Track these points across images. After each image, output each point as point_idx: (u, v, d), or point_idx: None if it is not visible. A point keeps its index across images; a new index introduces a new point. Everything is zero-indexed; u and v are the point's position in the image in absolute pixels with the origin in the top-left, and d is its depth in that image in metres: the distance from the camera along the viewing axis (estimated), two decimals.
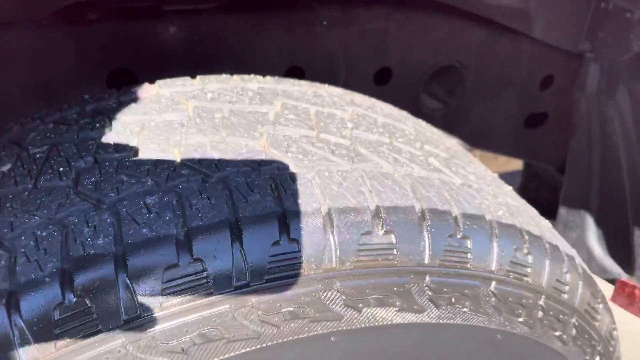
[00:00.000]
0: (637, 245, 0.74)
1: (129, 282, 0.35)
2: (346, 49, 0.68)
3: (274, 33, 0.67)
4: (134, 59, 0.66)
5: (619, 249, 0.78)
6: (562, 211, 0.82)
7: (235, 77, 0.56)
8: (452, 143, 0.58)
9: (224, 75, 0.55)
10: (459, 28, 0.72)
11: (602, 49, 0.67)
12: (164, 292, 0.35)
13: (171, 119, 0.45)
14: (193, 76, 0.56)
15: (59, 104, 0.56)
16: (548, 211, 0.86)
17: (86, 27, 0.65)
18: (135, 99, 0.48)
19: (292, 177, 0.40)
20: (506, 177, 1.09)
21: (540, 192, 0.98)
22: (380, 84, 0.76)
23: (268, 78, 0.58)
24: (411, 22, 0.71)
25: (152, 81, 0.54)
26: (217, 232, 0.36)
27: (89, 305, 0.34)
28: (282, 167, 0.41)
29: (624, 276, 0.78)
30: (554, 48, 0.74)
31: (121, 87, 0.54)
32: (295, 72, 0.70)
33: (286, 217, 0.39)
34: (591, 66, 0.70)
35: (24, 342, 0.34)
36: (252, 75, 0.57)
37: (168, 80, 0.53)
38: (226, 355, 0.39)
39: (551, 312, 0.45)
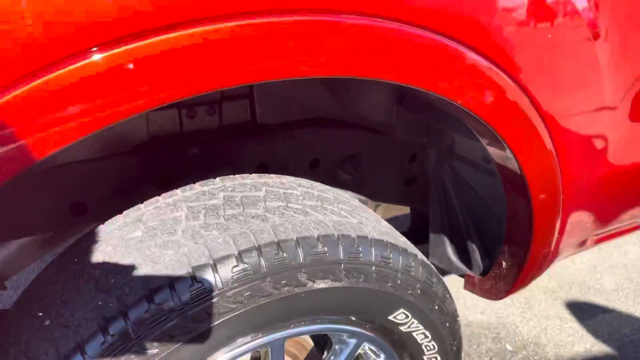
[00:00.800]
0: (470, 252, 1.24)
1: None
2: (293, 151, 1.16)
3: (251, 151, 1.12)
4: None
5: (463, 256, 1.28)
6: (431, 235, 1.32)
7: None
8: (348, 198, 1.04)
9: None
10: (352, 132, 1.22)
11: (432, 142, 1.19)
12: None
13: None
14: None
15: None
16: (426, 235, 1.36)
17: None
18: None
19: None
20: (403, 217, 1.59)
21: (421, 224, 1.48)
22: (313, 168, 1.24)
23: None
24: (330, 133, 1.20)
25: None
26: None
27: None
28: None
29: (468, 272, 1.28)
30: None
31: None
32: (262, 167, 1.17)
33: None
34: (429, 151, 1.22)
35: None
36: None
37: None
38: None
39: (405, 281, 0.91)
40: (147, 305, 0.71)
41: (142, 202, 0.89)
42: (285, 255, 0.78)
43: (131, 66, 0.59)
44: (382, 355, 1.00)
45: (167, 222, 0.83)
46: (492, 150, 0.92)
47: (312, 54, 0.64)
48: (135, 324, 0.70)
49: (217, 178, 0.95)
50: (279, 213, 0.85)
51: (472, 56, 0.78)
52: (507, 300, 2.08)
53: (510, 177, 0.93)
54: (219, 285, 0.73)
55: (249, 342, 0.81)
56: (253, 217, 0.83)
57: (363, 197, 1.33)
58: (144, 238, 0.80)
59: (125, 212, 0.88)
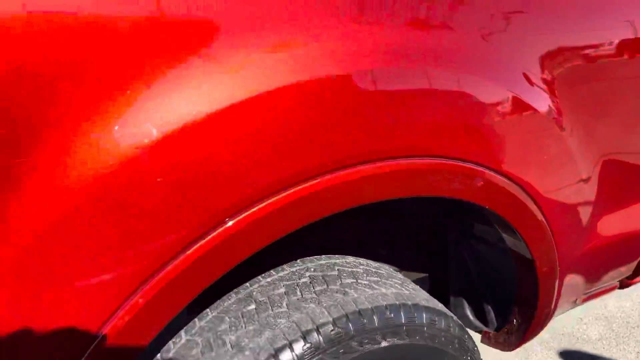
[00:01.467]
0: (486, 312, 1.54)
1: None
2: (348, 235, 1.45)
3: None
4: None
5: (480, 315, 1.57)
6: (451, 298, 1.61)
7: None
8: (396, 272, 1.33)
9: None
10: (392, 219, 1.53)
11: (453, 225, 1.51)
12: None
13: None
14: None
15: None
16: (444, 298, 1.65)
17: None
18: None
19: None
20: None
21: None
22: (359, 246, 1.53)
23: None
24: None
25: None
26: None
27: None
28: None
29: (484, 328, 1.56)
30: None
31: None
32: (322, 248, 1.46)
33: None
34: (450, 231, 1.53)
35: None
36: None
37: None
38: None
39: (447, 338, 1.20)
40: None
41: None
42: (365, 321, 1.06)
43: None
44: None
45: (273, 297, 1.11)
46: (506, 237, 1.23)
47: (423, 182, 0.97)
48: None
49: (299, 260, 1.24)
50: (354, 288, 1.14)
51: (490, 173, 1.10)
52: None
53: (521, 257, 1.24)
54: (323, 345, 1.01)
55: None
56: (336, 292, 1.12)
57: (394, 268, 1.62)
58: (259, 310, 1.08)
59: (235, 290, 1.16)
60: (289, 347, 0.99)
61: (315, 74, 0.85)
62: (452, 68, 1.04)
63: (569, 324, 2.58)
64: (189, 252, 0.77)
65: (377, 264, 1.30)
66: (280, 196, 0.82)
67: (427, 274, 1.84)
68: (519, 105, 1.11)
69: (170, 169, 0.72)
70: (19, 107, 0.61)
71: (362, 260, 1.29)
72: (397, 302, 1.12)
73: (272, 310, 1.08)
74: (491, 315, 1.52)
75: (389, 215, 1.50)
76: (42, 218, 0.67)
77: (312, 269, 1.20)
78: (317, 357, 1.01)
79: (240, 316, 1.08)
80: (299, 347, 1.00)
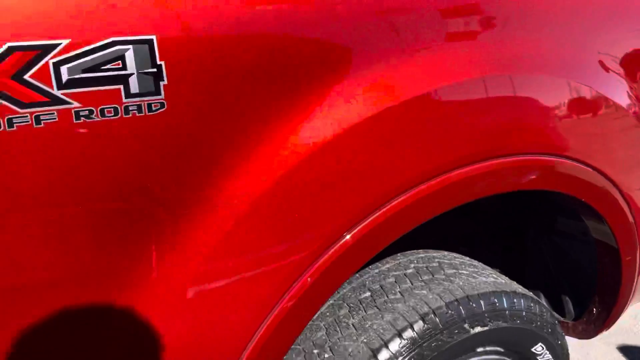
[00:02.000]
0: (564, 303, 1.63)
1: None
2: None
3: None
4: None
5: (557, 306, 1.66)
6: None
7: None
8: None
9: None
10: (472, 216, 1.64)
11: (532, 220, 1.61)
12: None
13: None
14: None
15: None
16: None
17: None
18: None
19: None
20: None
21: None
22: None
23: None
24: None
25: None
26: None
27: None
28: None
29: (562, 319, 1.66)
30: None
31: None
32: None
33: None
34: (530, 227, 1.63)
35: None
36: None
37: None
38: None
39: (541, 322, 1.30)
40: (399, 340, 1.10)
41: None
42: (474, 305, 1.17)
43: None
44: None
45: (385, 286, 1.23)
46: (593, 227, 1.33)
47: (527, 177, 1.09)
48: (394, 354, 1.08)
49: (399, 254, 1.35)
50: (457, 277, 1.25)
51: (584, 167, 1.21)
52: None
53: (606, 246, 1.35)
54: (440, 326, 1.12)
55: None
56: (443, 281, 1.23)
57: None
58: (375, 297, 1.20)
59: (347, 280, 1.28)
60: (410, 328, 1.11)
61: (433, 85, 0.97)
62: (541, 72, 1.15)
63: (625, 320, 2.65)
64: (348, 236, 0.91)
65: (467, 258, 1.41)
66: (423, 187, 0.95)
67: (499, 269, 1.94)
68: (601, 100, 1.22)
69: (340, 164, 0.86)
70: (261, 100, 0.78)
71: (455, 254, 1.40)
72: (499, 290, 1.23)
73: (388, 297, 1.19)
74: (569, 305, 1.61)
75: (470, 214, 1.61)
76: (245, 203, 0.81)
77: (414, 262, 1.31)
78: (434, 337, 1.12)
79: (358, 302, 1.20)
80: (419, 327, 1.11)
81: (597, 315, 1.51)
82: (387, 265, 1.31)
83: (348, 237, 0.91)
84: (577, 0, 1.16)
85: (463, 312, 1.16)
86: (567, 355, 1.40)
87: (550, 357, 1.34)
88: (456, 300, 1.16)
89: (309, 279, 0.89)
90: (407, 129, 0.93)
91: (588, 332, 1.56)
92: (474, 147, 1.03)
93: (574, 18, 1.18)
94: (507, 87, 1.04)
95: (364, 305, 1.19)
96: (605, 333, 2.53)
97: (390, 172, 0.93)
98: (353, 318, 1.17)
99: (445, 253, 1.39)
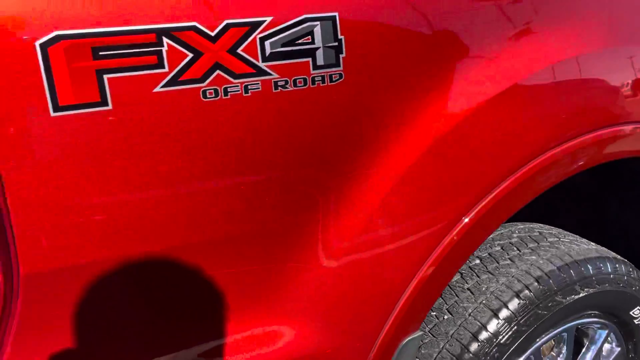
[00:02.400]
0: None
1: None
2: None
3: None
4: None
5: None
6: None
7: None
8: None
9: None
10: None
11: (617, 192, 1.67)
12: None
13: None
14: None
15: None
16: None
17: None
18: None
19: None
20: None
21: None
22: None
23: None
24: None
25: None
26: None
27: None
28: None
29: None
30: None
31: None
32: None
33: None
34: (611, 198, 1.69)
35: None
36: None
37: None
38: None
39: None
40: (517, 300, 1.17)
41: None
42: (583, 269, 1.24)
43: None
44: (614, 343, 1.43)
45: (493, 254, 1.30)
46: None
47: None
48: (514, 313, 1.15)
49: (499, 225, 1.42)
50: (561, 244, 1.32)
51: None
52: None
53: None
54: (554, 288, 1.19)
55: (556, 329, 1.26)
56: (549, 247, 1.30)
57: None
58: (486, 263, 1.27)
59: None
60: (527, 289, 1.18)
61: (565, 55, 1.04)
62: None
63: None
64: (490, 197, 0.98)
65: (561, 229, 1.48)
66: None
67: None
68: None
69: (484, 133, 0.94)
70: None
71: (550, 226, 1.47)
72: (602, 255, 1.30)
73: (499, 263, 1.27)
74: None
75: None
76: (402, 168, 0.89)
77: (516, 232, 1.38)
78: (550, 298, 1.19)
79: (470, 269, 1.27)
80: (535, 288, 1.18)
81: None
82: (491, 236, 1.38)
83: (490, 198, 0.99)
84: None
85: (574, 275, 1.22)
86: None
87: None
88: (566, 264, 1.23)
89: (455, 238, 0.97)
90: (531, 104, 1.01)
91: None
92: (599, 115, 1.10)
93: None
94: (622, 58, 1.11)
95: (476, 271, 1.26)
96: None
97: (532, 136, 1.01)
98: (467, 283, 1.24)
99: (541, 225, 1.46)
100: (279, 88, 0.78)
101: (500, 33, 0.97)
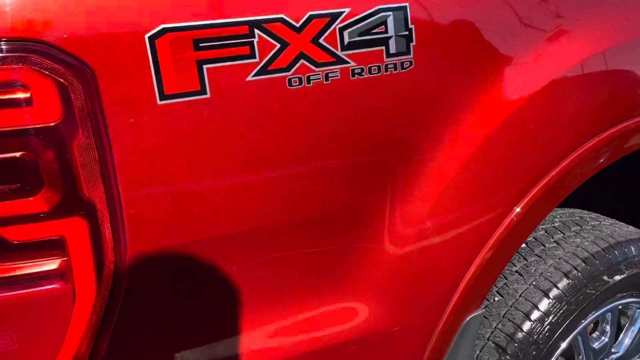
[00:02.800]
0: None
1: None
2: None
3: None
4: None
5: None
6: None
7: None
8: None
9: None
10: None
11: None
12: None
13: None
14: None
15: None
16: None
17: None
18: None
19: None
20: None
21: None
22: None
23: None
24: None
25: None
26: None
27: None
28: None
29: None
30: None
31: None
32: None
33: None
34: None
35: None
36: None
37: None
38: None
39: None
40: (566, 280, 1.21)
41: None
42: (626, 250, 1.28)
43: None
44: None
45: (538, 237, 1.34)
46: None
47: None
48: (563, 292, 1.19)
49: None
50: (603, 227, 1.36)
51: None
52: None
53: None
54: (600, 268, 1.23)
55: (602, 309, 1.30)
56: (592, 230, 1.34)
57: None
58: (532, 247, 1.31)
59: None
60: (575, 269, 1.22)
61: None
62: None
63: None
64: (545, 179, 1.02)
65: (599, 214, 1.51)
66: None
67: None
68: None
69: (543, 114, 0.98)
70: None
71: (588, 211, 1.51)
72: None
73: (545, 246, 1.30)
74: None
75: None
76: (465, 153, 0.94)
77: (557, 217, 1.42)
78: (597, 278, 1.23)
79: (517, 253, 1.31)
80: (582, 268, 1.22)
81: None
82: None
83: (549, 177, 1.03)
84: None
85: (618, 255, 1.26)
86: None
87: None
88: (610, 245, 1.27)
89: (514, 218, 1.01)
90: (579, 92, 1.05)
91: None
92: (626, 107, 1.14)
93: None
94: None
95: (523, 254, 1.30)
96: None
97: (575, 127, 1.05)
98: (515, 266, 1.28)
99: (580, 210, 1.50)
100: (356, 76, 0.82)
101: (557, 23, 1.01)
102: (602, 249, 1.26)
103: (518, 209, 1.02)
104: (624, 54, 1.09)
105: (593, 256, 1.24)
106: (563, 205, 1.70)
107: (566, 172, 1.06)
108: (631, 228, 1.39)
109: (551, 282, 1.21)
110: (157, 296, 0.76)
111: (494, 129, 0.96)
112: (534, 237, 1.35)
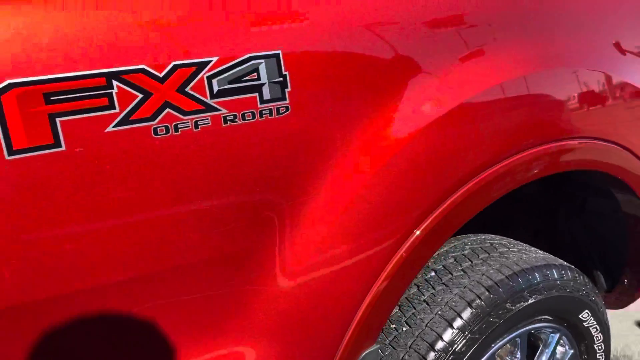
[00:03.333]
0: (596, 277, 1.77)
1: None
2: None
3: None
4: None
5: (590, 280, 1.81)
6: None
7: None
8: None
9: None
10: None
11: (562, 202, 1.76)
12: None
13: None
14: None
15: None
16: None
17: None
18: None
19: None
20: None
21: None
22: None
23: None
24: None
25: None
26: None
27: None
28: None
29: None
30: None
31: None
32: None
33: None
34: (560, 209, 1.78)
35: None
36: None
37: None
38: None
39: (586, 291, 1.44)
40: (470, 309, 1.23)
41: None
42: (530, 277, 1.31)
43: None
44: (567, 345, 1.51)
45: (447, 265, 1.36)
46: (624, 201, 1.48)
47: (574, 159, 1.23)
48: (467, 322, 1.21)
49: (452, 238, 1.49)
50: (510, 254, 1.39)
51: (618, 148, 1.36)
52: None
53: (636, 218, 1.50)
54: (503, 296, 1.26)
55: (509, 335, 1.33)
56: (499, 257, 1.37)
57: None
58: (440, 275, 1.33)
59: None
60: (478, 298, 1.24)
61: (497, 81, 1.11)
62: (576, 66, 1.30)
63: None
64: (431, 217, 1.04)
65: (512, 239, 1.55)
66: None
67: None
68: (626, 86, 1.37)
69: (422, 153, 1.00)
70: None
71: (500, 237, 1.54)
72: (549, 263, 1.37)
73: (452, 274, 1.33)
74: (601, 279, 1.76)
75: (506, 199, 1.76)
76: (348, 194, 0.94)
77: (468, 244, 1.45)
78: (500, 306, 1.25)
79: (426, 282, 1.33)
80: (485, 297, 1.24)
81: (629, 284, 1.66)
82: (445, 249, 1.44)
83: (432, 216, 1.05)
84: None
85: (522, 283, 1.29)
86: (607, 320, 1.54)
87: (595, 322, 1.48)
88: (515, 273, 1.30)
89: (403, 254, 1.02)
90: (478, 121, 1.08)
91: (621, 301, 1.70)
92: (529, 135, 1.17)
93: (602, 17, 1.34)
94: (551, 81, 1.19)
95: (431, 283, 1.32)
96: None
97: (470, 157, 1.07)
98: (424, 295, 1.30)
99: (492, 235, 1.53)
100: (228, 122, 0.82)
101: (447, 56, 1.03)
102: (506, 276, 1.29)
103: (412, 239, 1.04)
104: (525, 85, 1.13)
105: (497, 284, 1.27)
106: (487, 229, 1.74)
107: (455, 206, 1.08)
108: (539, 254, 1.42)
109: (455, 311, 1.23)
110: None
111: (384, 163, 0.98)
112: (443, 266, 1.37)
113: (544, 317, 1.40)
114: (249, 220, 0.89)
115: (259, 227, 0.90)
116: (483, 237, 1.50)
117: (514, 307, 1.28)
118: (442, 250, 1.44)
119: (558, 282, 1.36)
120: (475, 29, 1.08)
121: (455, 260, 1.38)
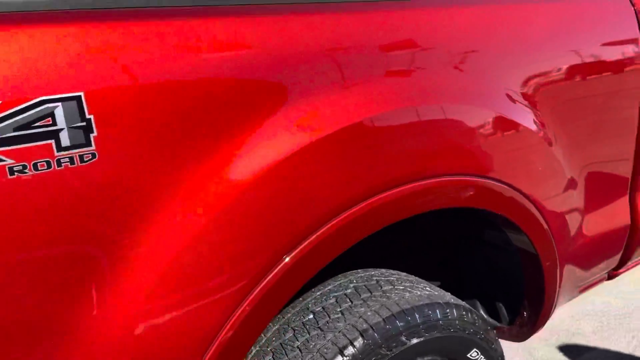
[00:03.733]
0: (498, 309, 1.74)
1: None
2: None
3: None
4: None
5: (493, 312, 1.77)
6: (465, 301, 1.81)
7: None
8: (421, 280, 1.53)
9: None
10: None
11: (462, 233, 1.72)
12: None
13: None
14: None
15: None
16: None
17: None
18: None
19: None
20: None
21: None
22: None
23: None
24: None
25: None
26: None
27: None
28: None
29: (498, 324, 1.76)
30: None
31: None
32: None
33: None
34: (461, 240, 1.74)
35: None
36: None
37: None
38: None
39: (475, 329, 1.39)
40: (341, 357, 1.16)
41: None
42: (409, 318, 1.25)
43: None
44: None
45: (327, 307, 1.29)
46: (514, 237, 1.45)
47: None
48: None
49: (340, 275, 1.42)
50: (393, 292, 1.33)
51: (499, 184, 1.32)
52: (510, 351, 2.55)
53: (527, 253, 1.46)
54: (378, 341, 1.20)
55: None
56: (380, 297, 1.30)
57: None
58: (318, 318, 1.26)
59: (291, 305, 1.33)
60: (351, 344, 1.17)
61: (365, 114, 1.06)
62: (461, 103, 1.26)
63: (564, 321, 2.80)
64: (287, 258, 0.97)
65: (401, 273, 1.50)
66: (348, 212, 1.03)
67: (439, 282, 2.05)
68: (513, 126, 1.34)
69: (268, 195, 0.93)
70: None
71: (393, 271, 1.48)
72: (432, 301, 1.32)
73: (330, 317, 1.26)
74: (503, 311, 1.72)
75: (406, 231, 1.71)
76: (181, 240, 0.87)
77: (354, 281, 1.38)
78: (374, 352, 1.19)
79: (302, 325, 1.26)
80: (359, 343, 1.18)
81: (527, 318, 1.62)
82: (329, 287, 1.37)
83: (287, 259, 0.98)
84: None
85: (399, 325, 1.23)
86: (502, 357, 1.49)
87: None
88: (392, 315, 1.24)
89: (247, 307, 0.94)
90: (341, 156, 1.01)
91: (522, 334, 1.67)
92: (403, 170, 1.12)
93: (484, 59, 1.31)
94: (432, 115, 1.15)
95: (307, 327, 1.25)
96: (545, 334, 2.68)
97: (327, 195, 1.01)
98: (298, 340, 1.23)
99: (383, 270, 1.47)
100: (16, 173, 0.74)
101: (307, 86, 0.97)
102: (383, 319, 1.23)
103: (262, 284, 0.97)
104: (382, 122, 1.07)
105: (372, 328, 1.21)
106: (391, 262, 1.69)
107: (308, 251, 1.01)
108: (425, 291, 1.37)
109: (325, 359, 1.16)
110: None
111: (218, 210, 0.90)
112: (322, 307, 1.30)
113: (430, 357, 1.35)
114: (60, 275, 0.80)
115: (73, 283, 0.81)
116: (372, 272, 1.44)
117: (389, 352, 1.21)
118: (326, 289, 1.37)
119: (441, 321, 1.31)
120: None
121: (336, 300, 1.31)
